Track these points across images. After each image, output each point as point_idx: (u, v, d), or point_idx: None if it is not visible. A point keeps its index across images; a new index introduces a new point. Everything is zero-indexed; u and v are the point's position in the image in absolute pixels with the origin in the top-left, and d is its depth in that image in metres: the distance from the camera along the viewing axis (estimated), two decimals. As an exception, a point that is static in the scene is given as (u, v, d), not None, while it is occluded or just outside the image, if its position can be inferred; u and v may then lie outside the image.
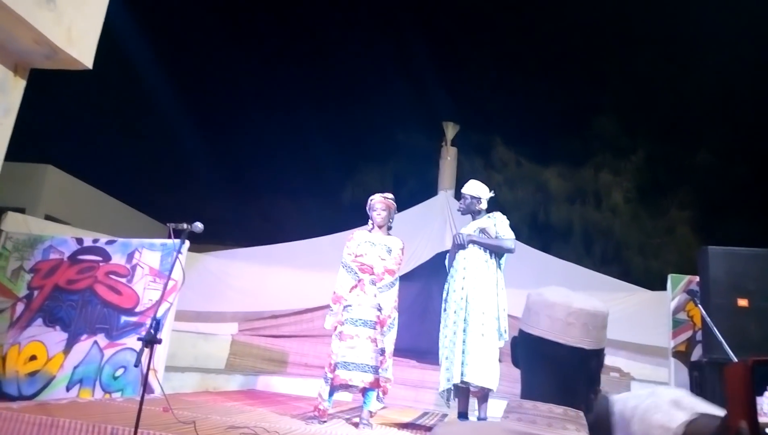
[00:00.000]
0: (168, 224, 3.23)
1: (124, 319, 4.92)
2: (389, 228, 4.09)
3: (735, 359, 3.21)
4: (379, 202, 4.03)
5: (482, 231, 4.07)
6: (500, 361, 3.89)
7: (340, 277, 3.93)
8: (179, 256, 3.33)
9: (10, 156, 2.42)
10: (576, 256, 11.15)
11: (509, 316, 4.00)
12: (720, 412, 1.06)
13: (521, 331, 1.10)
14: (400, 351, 4.64)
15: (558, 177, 13.49)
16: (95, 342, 4.89)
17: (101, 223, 10.09)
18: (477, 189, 4.22)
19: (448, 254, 4.26)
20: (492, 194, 4.27)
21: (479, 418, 3.88)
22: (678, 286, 4.95)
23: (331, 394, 3.74)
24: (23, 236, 5.51)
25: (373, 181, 13.52)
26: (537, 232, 12.75)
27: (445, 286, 4.13)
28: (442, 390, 3.92)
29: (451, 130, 10.19)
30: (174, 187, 15.93)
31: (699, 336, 4.58)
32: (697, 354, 4.60)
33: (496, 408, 3.57)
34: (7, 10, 2.07)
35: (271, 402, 5.02)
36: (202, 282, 6.85)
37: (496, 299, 3.96)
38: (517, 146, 13.89)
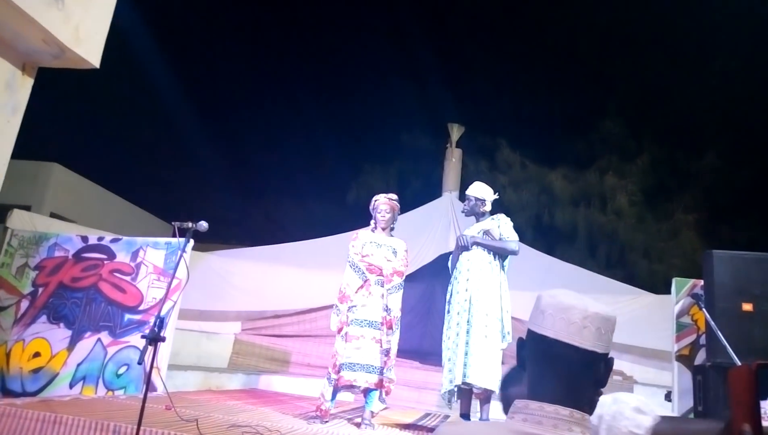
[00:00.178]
0: (173, 223, 3.25)
1: (127, 317, 4.94)
2: (392, 229, 4.09)
3: (739, 363, 3.20)
4: (383, 204, 4.03)
5: (486, 233, 4.07)
6: (503, 362, 3.88)
7: (347, 276, 3.92)
8: (184, 254, 3.35)
9: (16, 153, 2.44)
10: (580, 259, 11.11)
11: (513, 317, 4.00)
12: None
13: (531, 332, 1.10)
14: (403, 352, 4.64)
15: (563, 179, 13.45)
16: (99, 339, 4.91)
17: (106, 221, 10.13)
18: (481, 191, 4.22)
19: (451, 256, 4.26)
20: (496, 196, 4.27)
21: (481, 420, 3.88)
22: (682, 289, 4.93)
23: (334, 394, 3.75)
24: (28, 234, 5.53)
25: (377, 182, 13.53)
26: (541, 234, 12.72)
27: (449, 288, 4.13)
28: (444, 391, 3.92)
29: (456, 132, 10.18)
30: (179, 187, 15.98)
31: (703, 340, 4.56)
32: (700, 358, 4.58)
33: (498, 410, 3.56)
34: (16, 10, 2.08)
35: (273, 401, 5.03)
36: (205, 281, 6.86)
37: (499, 301, 3.95)
38: (522, 148, 13.86)
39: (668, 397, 4.76)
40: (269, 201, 16.58)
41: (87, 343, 4.92)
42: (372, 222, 4.08)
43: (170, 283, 3.53)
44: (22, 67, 2.43)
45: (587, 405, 1.04)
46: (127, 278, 5.08)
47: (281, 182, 16.22)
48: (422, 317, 9.04)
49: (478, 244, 4.03)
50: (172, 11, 13.98)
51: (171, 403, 3.44)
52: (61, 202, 10.92)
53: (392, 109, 15.44)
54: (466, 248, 4.04)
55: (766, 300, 3.93)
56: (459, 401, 3.95)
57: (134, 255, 5.15)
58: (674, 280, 5.04)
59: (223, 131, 17.24)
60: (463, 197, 5.14)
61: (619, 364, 6.74)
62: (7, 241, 5.47)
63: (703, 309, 3.89)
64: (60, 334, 5.00)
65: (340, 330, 3.79)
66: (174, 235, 3.31)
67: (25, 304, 5.19)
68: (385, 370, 3.73)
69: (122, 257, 5.17)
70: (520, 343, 1.14)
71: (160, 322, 2.77)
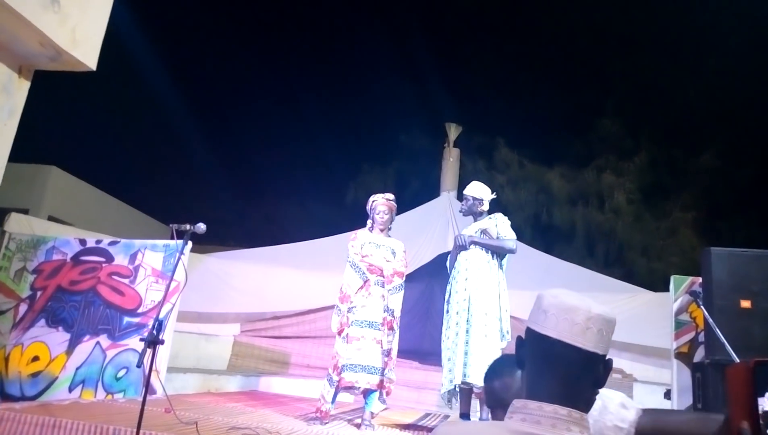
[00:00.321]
0: (171, 225, 3.24)
1: (126, 320, 4.93)
2: (389, 229, 4.09)
3: (737, 360, 3.20)
4: (382, 204, 4.02)
5: (484, 232, 4.07)
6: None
7: (347, 276, 3.91)
8: (182, 256, 3.34)
9: (13, 157, 2.43)
10: (579, 258, 11.13)
11: (511, 317, 4.00)
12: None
13: (530, 331, 1.09)
14: (403, 352, 4.63)
15: (561, 178, 13.48)
16: (98, 343, 4.90)
17: (104, 224, 10.12)
18: (479, 190, 4.22)
19: (449, 256, 4.26)
20: (494, 196, 4.27)
21: (481, 419, 3.88)
22: (681, 287, 4.93)
23: (334, 396, 3.74)
24: (26, 237, 5.52)
25: (376, 182, 13.55)
26: (540, 233, 12.75)
27: (448, 288, 4.13)
28: (444, 391, 3.92)
29: (453, 132, 10.18)
30: (177, 189, 15.98)
31: (701, 337, 4.56)
32: (699, 355, 4.58)
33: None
34: (12, 13, 2.08)
35: (273, 403, 5.02)
36: (204, 283, 6.86)
37: (498, 300, 3.95)
38: (520, 147, 13.90)
39: (668, 394, 4.77)
40: (267, 202, 16.60)
41: (86, 347, 4.91)
42: (369, 222, 4.07)
43: (169, 286, 3.52)
44: (19, 70, 2.43)
45: (585, 405, 1.04)
46: (126, 281, 5.08)
47: (279, 183, 16.25)
48: (421, 317, 9.03)
49: (476, 243, 4.03)
50: (169, 12, 13.99)
51: (170, 405, 3.43)
52: (58, 205, 10.91)
53: (390, 109, 15.49)
54: (464, 248, 4.04)
55: (765, 297, 3.94)
56: (459, 401, 3.94)
57: (132, 257, 5.15)
58: (673, 278, 5.05)
59: (221, 133, 17.26)
60: (461, 197, 5.15)
61: (618, 362, 6.75)
62: (5, 244, 5.46)
63: (702, 306, 3.89)
64: (59, 338, 4.99)
65: (340, 331, 3.78)
66: (172, 237, 3.30)
67: (23, 308, 5.19)
68: (386, 371, 3.73)
69: (120, 260, 5.17)
70: (519, 342, 1.13)
71: (159, 325, 2.76)
